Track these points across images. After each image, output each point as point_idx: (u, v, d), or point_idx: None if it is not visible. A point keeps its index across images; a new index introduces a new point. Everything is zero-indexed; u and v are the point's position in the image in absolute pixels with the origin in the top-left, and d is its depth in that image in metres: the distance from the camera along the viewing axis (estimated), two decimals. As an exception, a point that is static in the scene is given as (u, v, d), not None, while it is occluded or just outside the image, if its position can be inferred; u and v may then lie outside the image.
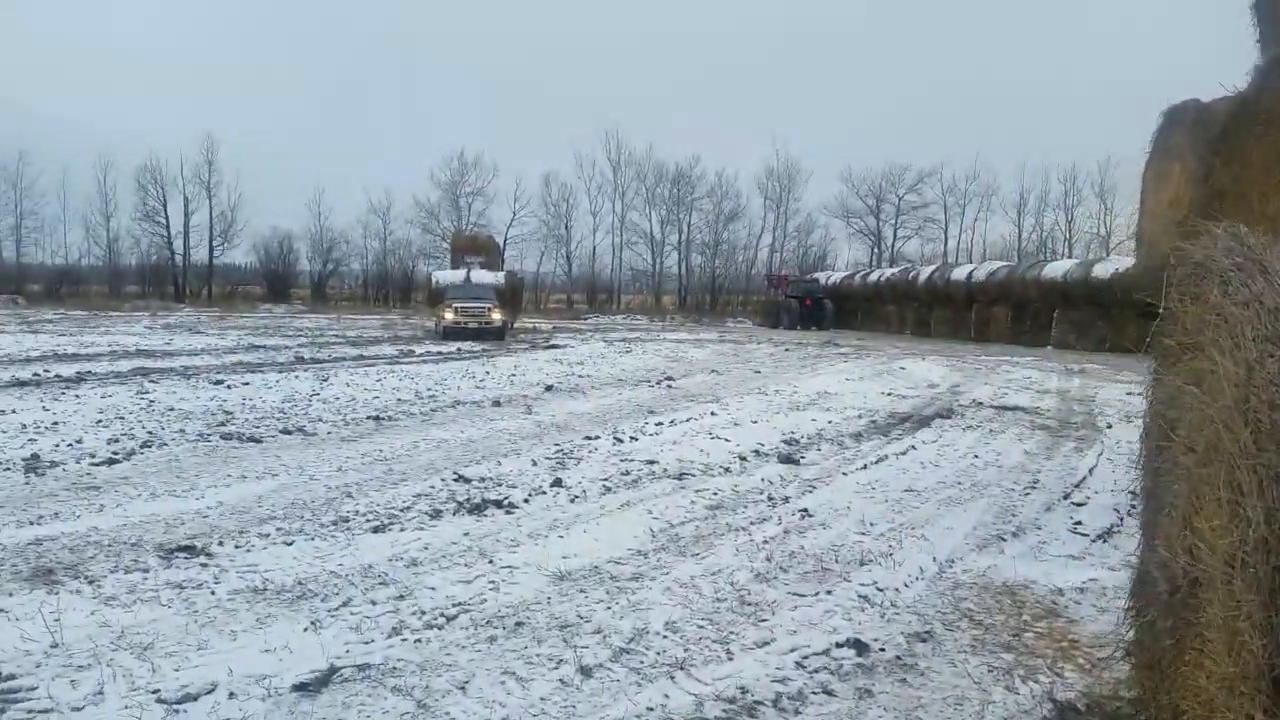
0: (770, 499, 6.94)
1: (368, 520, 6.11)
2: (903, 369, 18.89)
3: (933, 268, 40.81)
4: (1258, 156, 8.18)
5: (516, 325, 33.35)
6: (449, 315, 27.53)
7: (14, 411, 10.21)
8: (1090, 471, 8.24)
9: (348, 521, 6.07)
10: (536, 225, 62.02)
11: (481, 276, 34.15)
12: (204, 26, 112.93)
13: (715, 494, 7.06)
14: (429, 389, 13.69)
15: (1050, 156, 69.88)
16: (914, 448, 9.28)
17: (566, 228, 62.89)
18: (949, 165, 60.85)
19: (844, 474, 7.93)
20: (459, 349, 23.19)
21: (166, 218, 57.59)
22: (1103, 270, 29.13)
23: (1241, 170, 8.26)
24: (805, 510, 6.53)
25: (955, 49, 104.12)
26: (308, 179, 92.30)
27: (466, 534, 5.85)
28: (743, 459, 8.48)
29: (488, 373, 16.72)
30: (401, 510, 6.40)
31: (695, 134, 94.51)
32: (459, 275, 34.46)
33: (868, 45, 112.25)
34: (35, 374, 14.15)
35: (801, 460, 8.44)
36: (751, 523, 6.22)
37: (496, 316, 28.02)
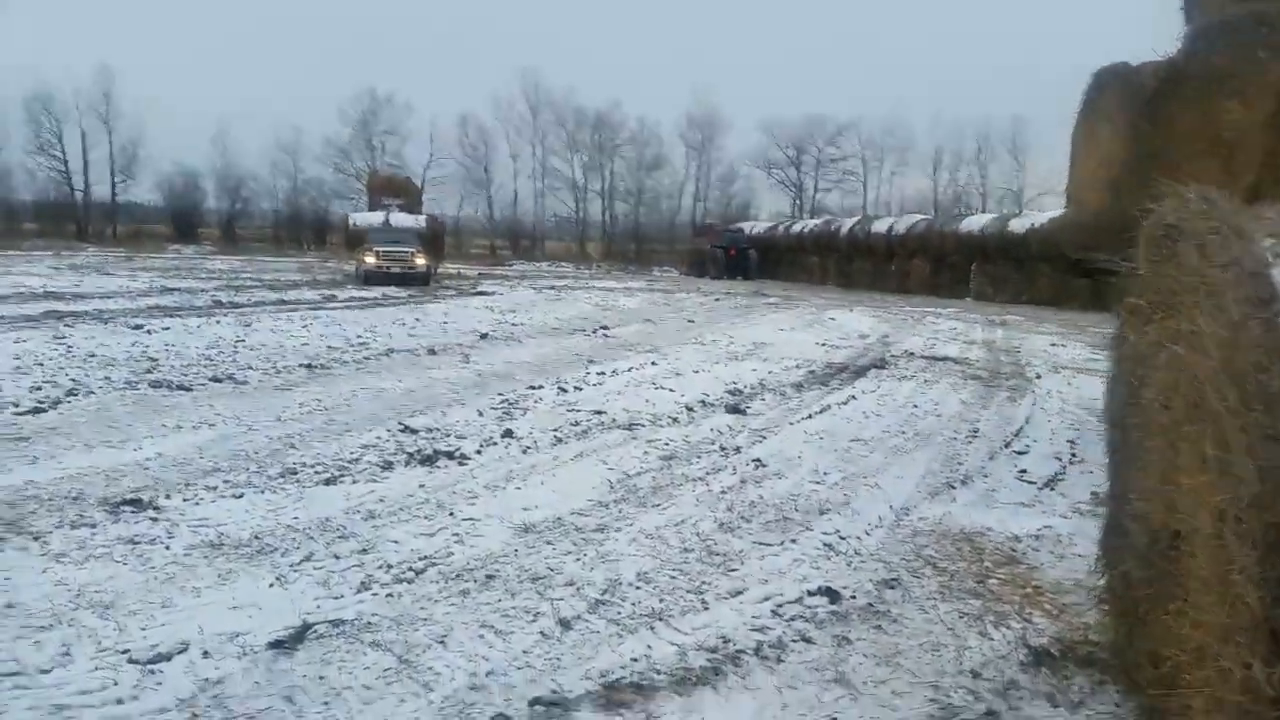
0: (722, 449, 6.99)
1: (317, 472, 5.96)
2: (833, 319, 19.19)
3: (854, 220, 41.27)
4: (1186, 121, 8.42)
5: (440, 271, 32.72)
6: (370, 259, 26.78)
7: (-82, 357, 9.65)
8: (1027, 420, 8.50)
9: (296, 473, 5.91)
10: (455, 168, 60.67)
11: (402, 220, 33.41)
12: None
13: (667, 444, 7.08)
14: (359, 336, 13.39)
15: (963, 113, 71.16)
16: (854, 398, 9.44)
17: (486, 171, 61.69)
18: (866, 119, 61.44)
19: (791, 424, 8.02)
20: (383, 294, 22.69)
21: (63, 151, 54.63)
22: (1018, 225, 29.93)
23: (1170, 134, 8.50)
24: (758, 460, 6.59)
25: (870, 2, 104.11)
26: (212, 115, 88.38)
27: (421, 486, 5.75)
28: (690, 409, 8.51)
29: (418, 320, 16.42)
30: (350, 462, 6.26)
31: (615, 78, 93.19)
32: (378, 218, 33.66)
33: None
34: (-65, 317, 13.36)
35: (748, 410, 8.51)
36: (707, 473, 6.26)
37: (420, 261, 27.35)
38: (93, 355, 10.23)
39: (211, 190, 59.62)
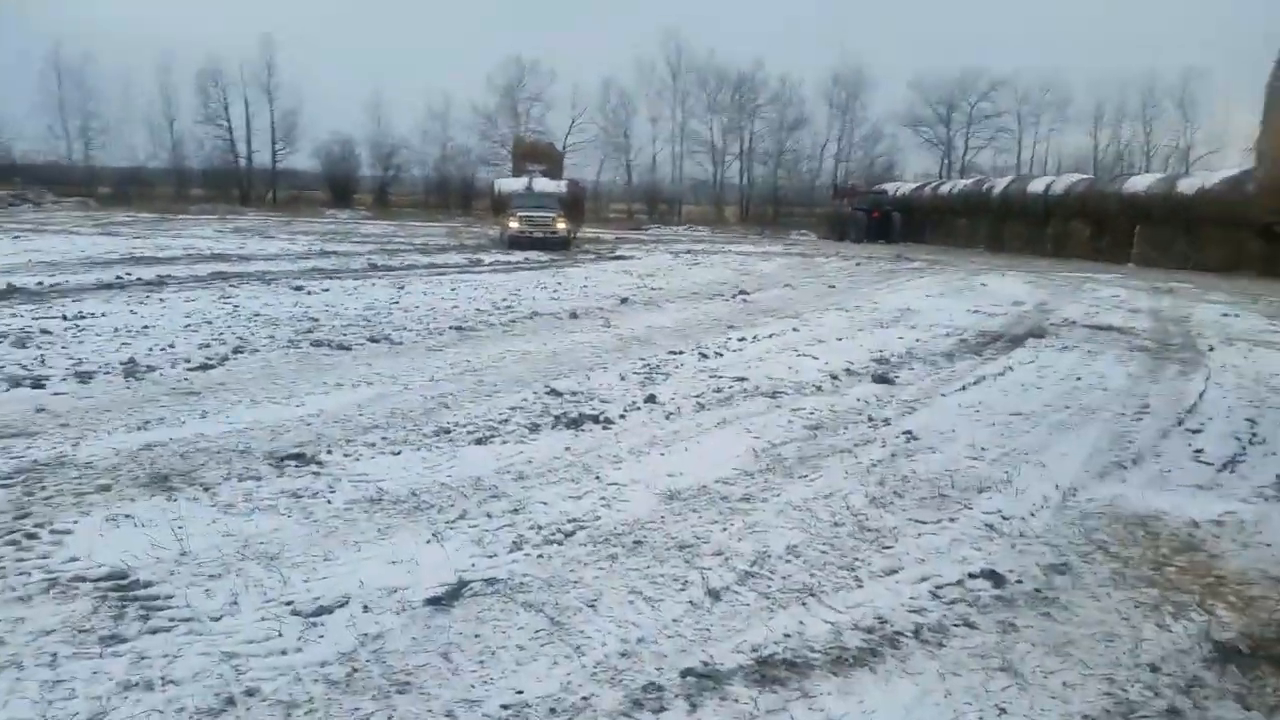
0: (870, 420, 6.78)
1: (469, 432, 6.10)
2: (984, 285, 18.37)
3: (1008, 180, 39.30)
4: None
5: (580, 235, 33.06)
6: (514, 224, 27.32)
7: (103, 315, 10.41)
8: (1200, 396, 7.90)
9: (449, 433, 6.06)
10: (595, 133, 61.02)
11: (544, 185, 33.78)
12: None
13: (812, 413, 6.91)
14: (504, 299, 13.66)
15: (1127, 67, 66.60)
16: (1011, 368, 9.00)
17: (626, 135, 61.75)
18: (1023, 74, 58.19)
19: (943, 395, 7.71)
20: (526, 258, 23.12)
21: (228, 120, 57.73)
22: (1187, 186, 27.91)
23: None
24: (909, 433, 6.35)
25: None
26: (366, 83, 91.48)
27: (568, 449, 5.80)
28: (834, 378, 8.29)
29: (559, 284, 16.64)
30: (499, 422, 6.38)
31: (758, 34, 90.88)
32: (521, 183, 34.11)
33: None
34: (117, 276, 14.40)
35: (896, 380, 8.23)
36: (855, 444, 6.08)
37: (561, 226, 27.74)
38: (257, 315, 10.80)
39: (365, 158, 61.89)
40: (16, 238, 22.33)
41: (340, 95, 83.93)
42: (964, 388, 8.03)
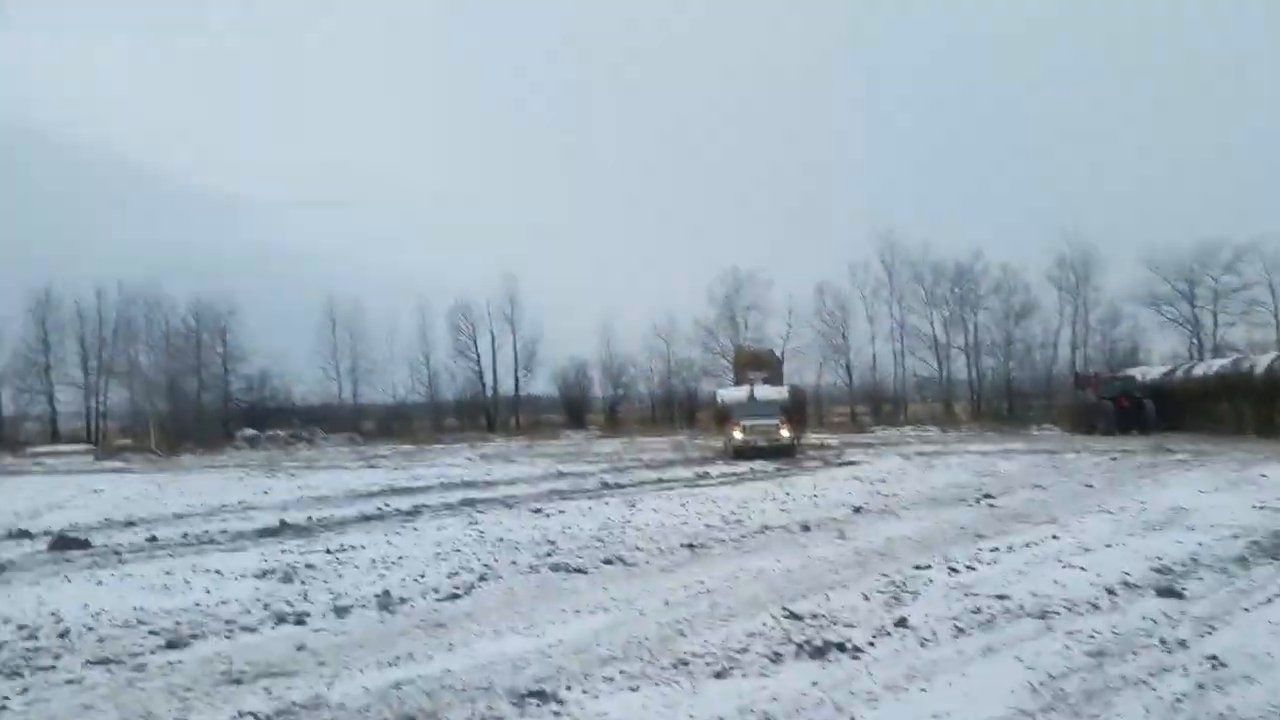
0: (1163, 643, 5.91)
1: (706, 663, 5.82)
2: (1264, 477, 16.29)
3: (1271, 357, 35.64)
4: None
5: (804, 441, 32.70)
6: (738, 434, 27.49)
7: (363, 547, 11.09)
8: None
9: (687, 664, 5.81)
10: (813, 336, 61.32)
11: (766, 393, 33.99)
12: (496, 175, 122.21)
13: (1092, 637, 6.12)
14: (733, 513, 13.49)
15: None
16: (1325, 576, 7.73)
17: (844, 337, 61.66)
18: (1267, 239, 53.57)
19: (1245, 610, 6.67)
20: (751, 469, 22.98)
21: (477, 353, 62.79)
22: None
23: None
24: (1214, 658, 5.46)
25: (1255, 104, 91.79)
26: (597, 305, 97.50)
27: (815, 683, 5.38)
28: (1111, 592, 7.40)
29: (788, 494, 16.32)
30: (738, 652, 6.07)
31: (973, 226, 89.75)
32: (743, 392, 34.50)
33: (1152, 108, 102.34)
34: (378, 508, 15.51)
35: (1184, 593, 7.23)
36: (1150, 674, 5.27)
37: (785, 434, 27.62)
38: (501, 540, 11.17)
39: (597, 378, 65.32)
40: (292, 475, 24.76)
41: (575, 318, 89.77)
42: (1269, 600, 6.92)
